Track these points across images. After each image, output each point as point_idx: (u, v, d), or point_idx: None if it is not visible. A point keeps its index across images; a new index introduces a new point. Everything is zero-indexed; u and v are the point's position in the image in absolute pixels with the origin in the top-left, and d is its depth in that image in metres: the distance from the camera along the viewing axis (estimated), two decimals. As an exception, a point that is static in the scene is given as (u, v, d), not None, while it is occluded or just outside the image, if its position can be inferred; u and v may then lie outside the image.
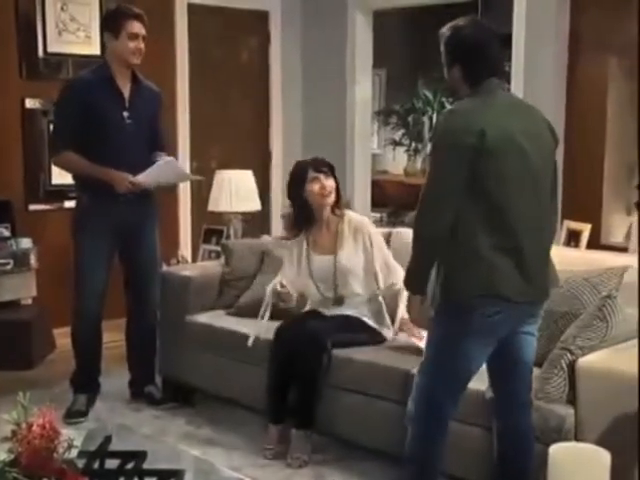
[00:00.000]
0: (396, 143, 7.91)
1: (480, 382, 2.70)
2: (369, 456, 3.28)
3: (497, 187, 2.41)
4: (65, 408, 3.69)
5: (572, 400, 2.71)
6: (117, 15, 3.66)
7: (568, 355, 2.73)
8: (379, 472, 3.20)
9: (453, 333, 2.51)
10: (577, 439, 2.64)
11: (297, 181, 3.50)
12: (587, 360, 2.70)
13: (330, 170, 3.52)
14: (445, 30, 2.57)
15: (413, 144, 7.85)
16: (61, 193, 5.06)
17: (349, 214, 3.56)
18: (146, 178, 3.63)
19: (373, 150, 7.06)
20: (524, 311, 2.55)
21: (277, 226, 5.98)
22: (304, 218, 3.52)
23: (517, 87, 4.83)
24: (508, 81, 5.46)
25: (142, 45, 3.65)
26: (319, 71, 5.94)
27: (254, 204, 4.87)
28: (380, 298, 3.51)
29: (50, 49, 4.94)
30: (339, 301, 3.48)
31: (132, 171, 3.61)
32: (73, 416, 3.67)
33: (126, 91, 3.67)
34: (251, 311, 3.88)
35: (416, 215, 2.50)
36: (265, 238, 4.71)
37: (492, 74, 2.53)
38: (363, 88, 5.78)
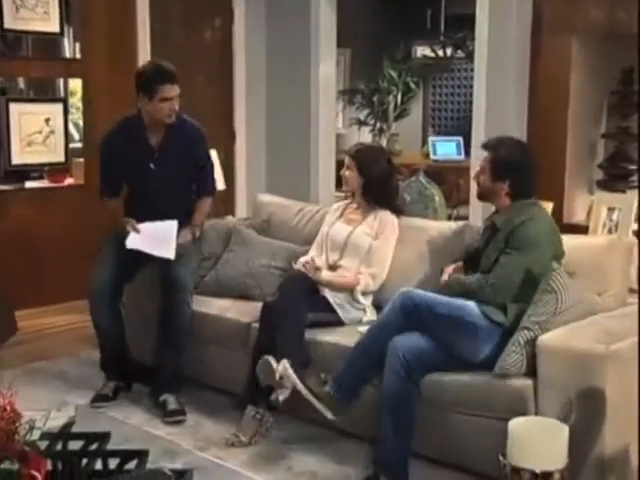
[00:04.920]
0: (361, 123, 7.89)
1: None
2: (335, 436, 3.29)
3: None
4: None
5: (531, 373, 2.78)
6: (151, 79, 3.64)
7: (525, 332, 2.81)
8: (345, 452, 3.21)
9: None
10: (537, 414, 2.69)
11: None
12: (546, 338, 2.76)
13: (356, 163, 3.63)
14: None
15: (378, 124, 7.84)
16: (22, 173, 4.99)
17: (382, 213, 3.63)
18: (142, 228, 3.67)
19: (338, 130, 7.04)
20: None
21: (242, 206, 5.95)
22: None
23: (480, 67, 4.84)
24: (472, 61, 5.48)
25: (176, 105, 3.66)
26: (283, 50, 5.89)
27: (218, 184, 4.83)
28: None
29: (7, 25, 4.80)
30: (333, 268, 3.62)
31: (161, 218, 3.70)
32: (96, 400, 3.65)
33: (157, 140, 3.72)
34: (215, 291, 3.89)
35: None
36: (229, 219, 4.69)
37: None
38: (327, 67, 5.75)
